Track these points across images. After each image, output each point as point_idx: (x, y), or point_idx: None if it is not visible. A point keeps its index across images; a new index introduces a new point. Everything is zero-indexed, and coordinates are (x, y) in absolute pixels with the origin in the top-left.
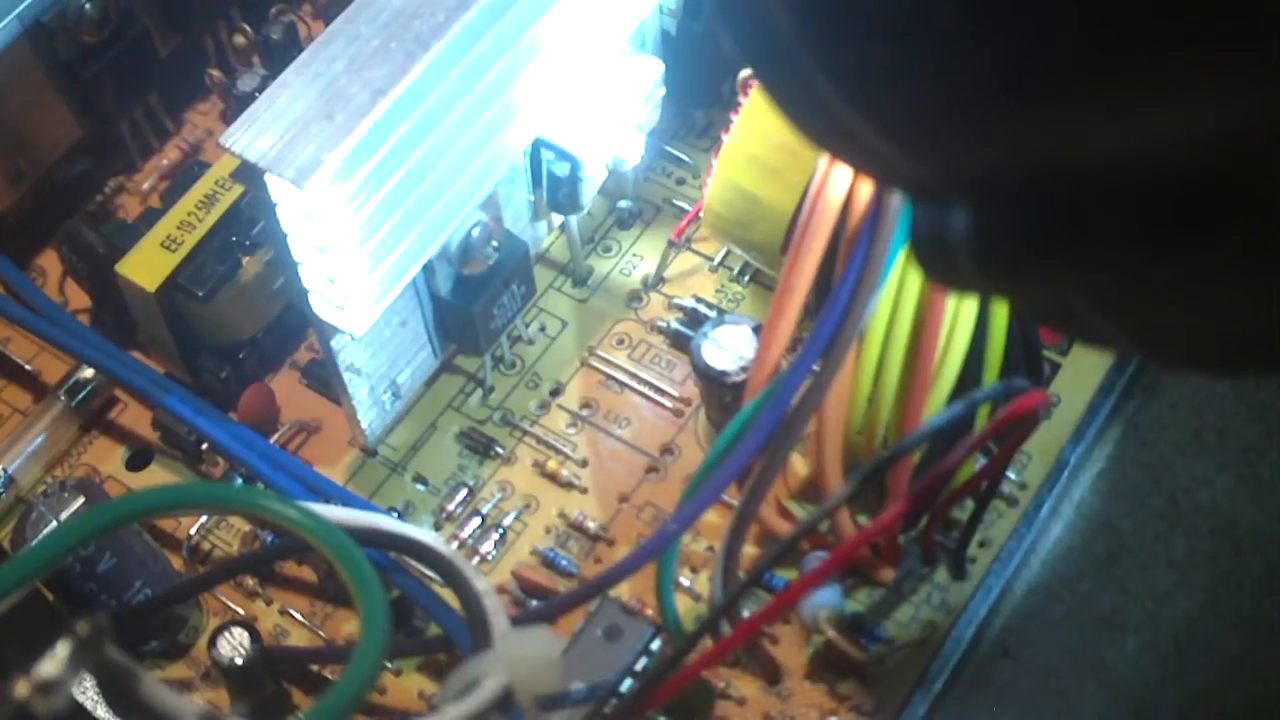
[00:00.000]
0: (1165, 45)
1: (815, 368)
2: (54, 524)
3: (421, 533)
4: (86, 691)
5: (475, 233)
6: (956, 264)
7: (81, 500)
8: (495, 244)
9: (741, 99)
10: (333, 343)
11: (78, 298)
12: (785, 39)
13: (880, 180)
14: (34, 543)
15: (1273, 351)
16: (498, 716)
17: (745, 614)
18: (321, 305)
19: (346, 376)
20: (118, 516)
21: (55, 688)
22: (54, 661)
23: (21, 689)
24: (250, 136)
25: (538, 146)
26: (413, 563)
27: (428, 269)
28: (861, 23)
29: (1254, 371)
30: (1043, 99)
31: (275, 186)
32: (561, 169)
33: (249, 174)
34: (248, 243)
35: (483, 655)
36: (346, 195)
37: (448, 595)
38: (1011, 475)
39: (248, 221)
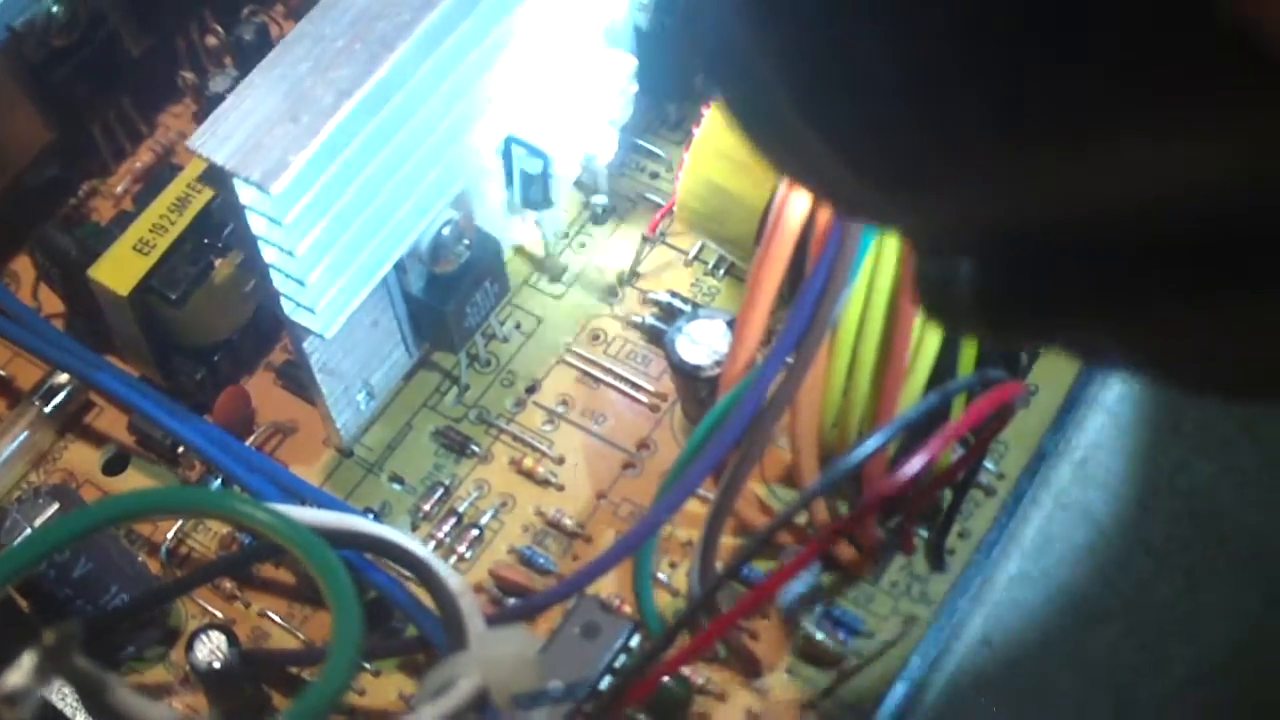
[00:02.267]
0: (1153, 100)
1: (789, 360)
2: (28, 530)
3: (395, 533)
4: (65, 699)
5: (446, 231)
6: (963, 316)
7: (56, 506)
8: (467, 242)
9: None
10: (305, 344)
11: (51, 302)
12: (772, 94)
13: (876, 225)
14: (7, 549)
15: None
16: (473, 717)
17: (723, 608)
18: (292, 307)
19: (320, 377)
20: (91, 523)
21: (21, 698)
22: (20, 672)
23: None
24: (217, 139)
25: (509, 144)
26: (390, 563)
27: (399, 268)
28: (851, 83)
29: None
30: (1035, 151)
31: (242, 189)
32: (533, 166)
33: (217, 177)
34: (220, 245)
35: (457, 656)
36: (313, 197)
37: (425, 595)
38: (990, 465)
39: (220, 224)
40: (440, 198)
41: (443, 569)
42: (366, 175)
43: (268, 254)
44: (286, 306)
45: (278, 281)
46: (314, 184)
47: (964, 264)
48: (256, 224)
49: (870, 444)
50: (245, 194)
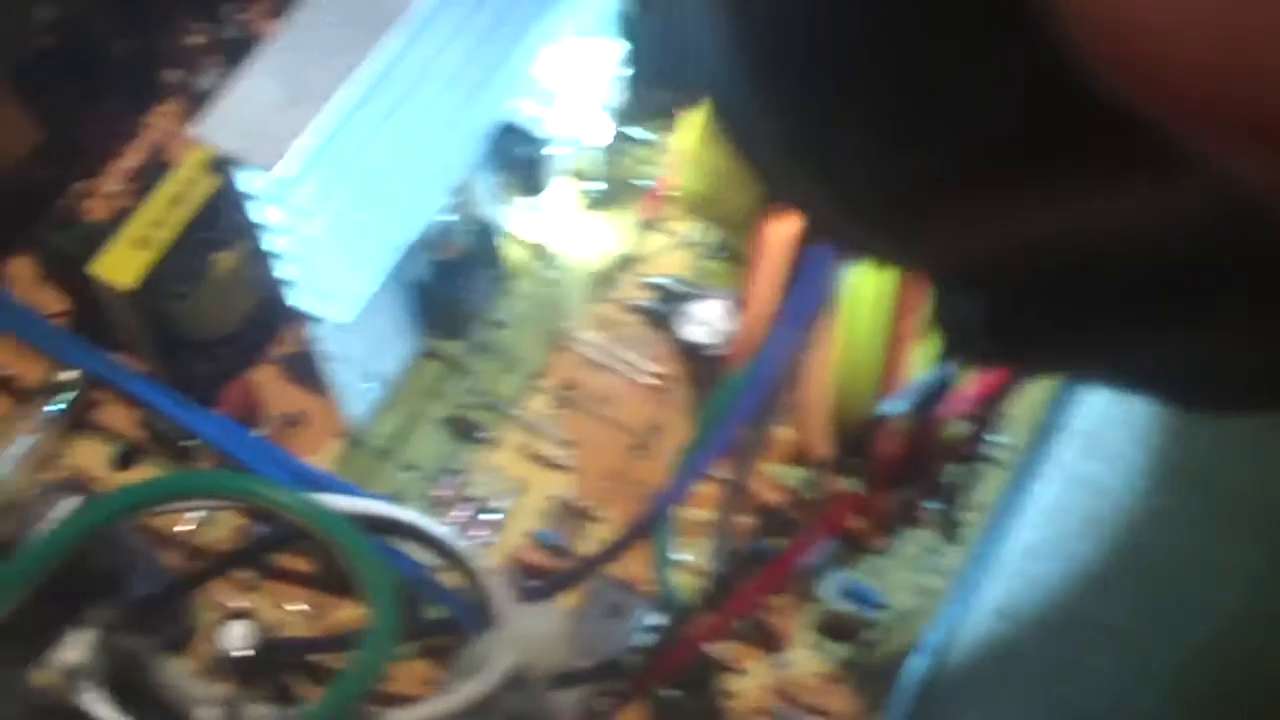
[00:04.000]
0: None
1: (797, 335)
2: (47, 525)
3: (417, 516)
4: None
5: (448, 218)
6: (979, 349)
7: (74, 500)
8: (468, 228)
9: None
10: (315, 332)
11: (52, 303)
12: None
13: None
14: (33, 543)
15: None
16: (509, 694)
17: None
18: (302, 295)
19: (330, 366)
20: (117, 509)
21: (79, 675)
22: (75, 649)
23: (46, 676)
24: (221, 127)
25: (503, 129)
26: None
27: (404, 255)
28: (848, 140)
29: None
30: (1012, 194)
31: (249, 176)
32: (527, 151)
33: (222, 165)
34: (221, 237)
35: (490, 635)
36: (321, 181)
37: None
38: (998, 438)
39: (221, 216)
40: (444, 182)
41: (468, 550)
42: (371, 159)
43: (276, 241)
44: (296, 294)
45: (286, 269)
46: (321, 168)
47: (973, 302)
48: (264, 211)
49: (881, 414)
50: (252, 180)
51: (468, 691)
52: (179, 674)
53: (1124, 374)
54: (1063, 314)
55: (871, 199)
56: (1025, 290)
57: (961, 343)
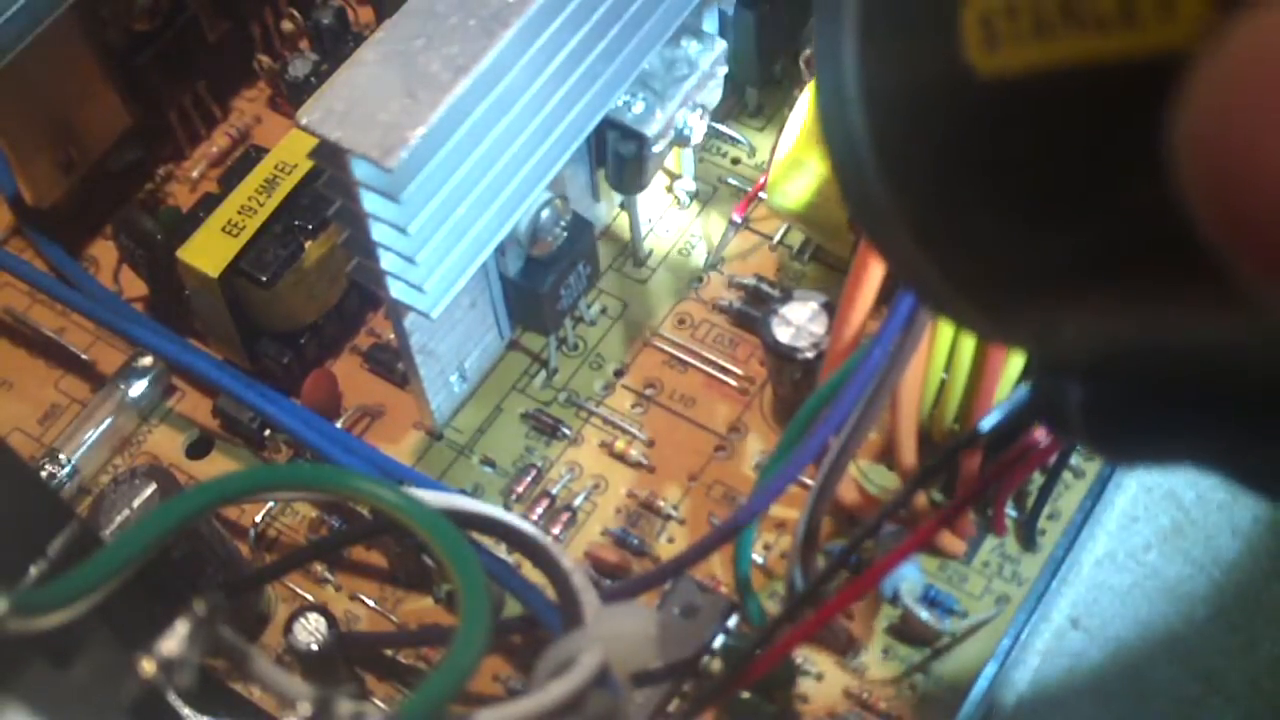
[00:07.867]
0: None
1: (893, 346)
2: (126, 512)
3: (504, 513)
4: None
5: (544, 214)
6: (1071, 429)
7: (154, 487)
8: (563, 224)
9: (807, 76)
10: (406, 324)
11: (131, 287)
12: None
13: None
14: (136, 525)
15: None
16: (598, 693)
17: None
18: (400, 287)
19: (419, 359)
20: (214, 499)
21: (177, 666)
22: (174, 640)
23: (147, 666)
24: (329, 115)
25: (603, 125)
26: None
27: (498, 250)
28: (974, 233)
29: None
30: (1125, 294)
31: (358, 165)
32: (627, 148)
33: (328, 154)
34: (310, 227)
35: (576, 633)
36: (428, 173)
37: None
38: (1082, 450)
39: (310, 205)
40: (543, 177)
41: (554, 547)
42: (477, 153)
43: (378, 232)
44: (394, 286)
45: (386, 261)
46: (430, 161)
47: (1074, 388)
48: (369, 201)
49: (972, 435)
50: (359, 170)
51: (557, 690)
52: (271, 669)
53: (1221, 473)
54: (1159, 417)
55: (986, 284)
56: (1120, 389)
57: (1056, 425)
